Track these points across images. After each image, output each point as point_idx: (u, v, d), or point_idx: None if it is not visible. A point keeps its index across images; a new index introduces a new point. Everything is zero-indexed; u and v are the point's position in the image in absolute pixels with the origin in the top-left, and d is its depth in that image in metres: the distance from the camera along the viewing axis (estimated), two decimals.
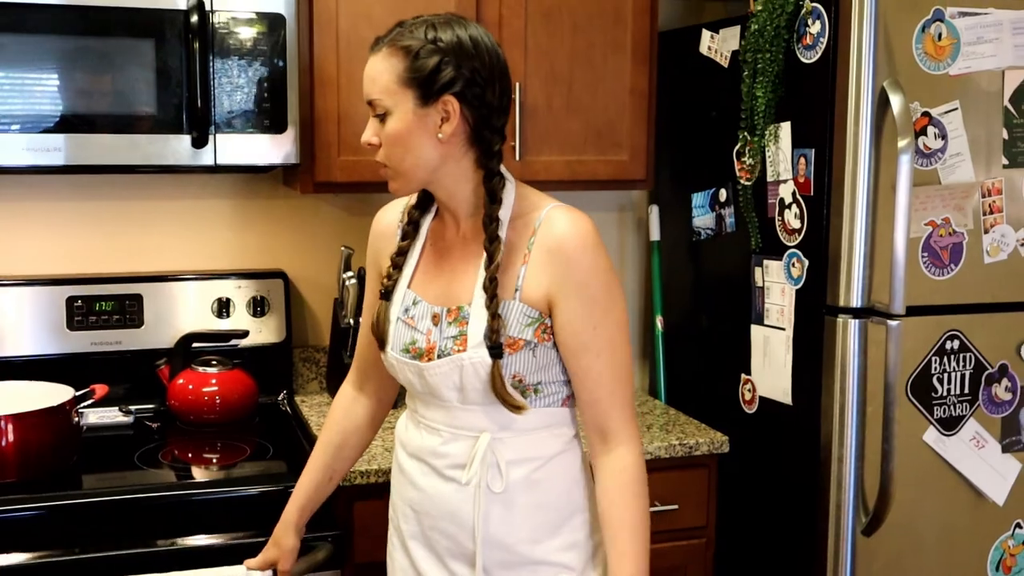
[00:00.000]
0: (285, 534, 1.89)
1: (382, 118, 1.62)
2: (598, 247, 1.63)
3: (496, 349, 1.61)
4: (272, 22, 2.29)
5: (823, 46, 2.20)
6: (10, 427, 2.03)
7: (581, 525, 1.72)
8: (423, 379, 1.69)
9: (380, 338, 1.74)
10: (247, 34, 2.27)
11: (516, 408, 1.64)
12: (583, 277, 1.62)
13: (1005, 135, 2.25)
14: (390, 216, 1.83)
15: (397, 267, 1.75)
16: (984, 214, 2.24)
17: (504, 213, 1.65)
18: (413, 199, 1.79)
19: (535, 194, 1.71)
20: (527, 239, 1.64)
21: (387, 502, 1.89)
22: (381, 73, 1.61)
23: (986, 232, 2.25)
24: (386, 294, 1.74)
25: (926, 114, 2.17)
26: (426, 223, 1.77)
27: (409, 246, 1.75)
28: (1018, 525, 2.37)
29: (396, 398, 1.97)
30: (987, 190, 2.24)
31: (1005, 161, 2.25)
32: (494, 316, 1.61)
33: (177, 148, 2.26)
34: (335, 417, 1.94)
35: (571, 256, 1.62)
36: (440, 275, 1.72)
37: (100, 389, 2.30)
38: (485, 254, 1.64)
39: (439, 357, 1.66)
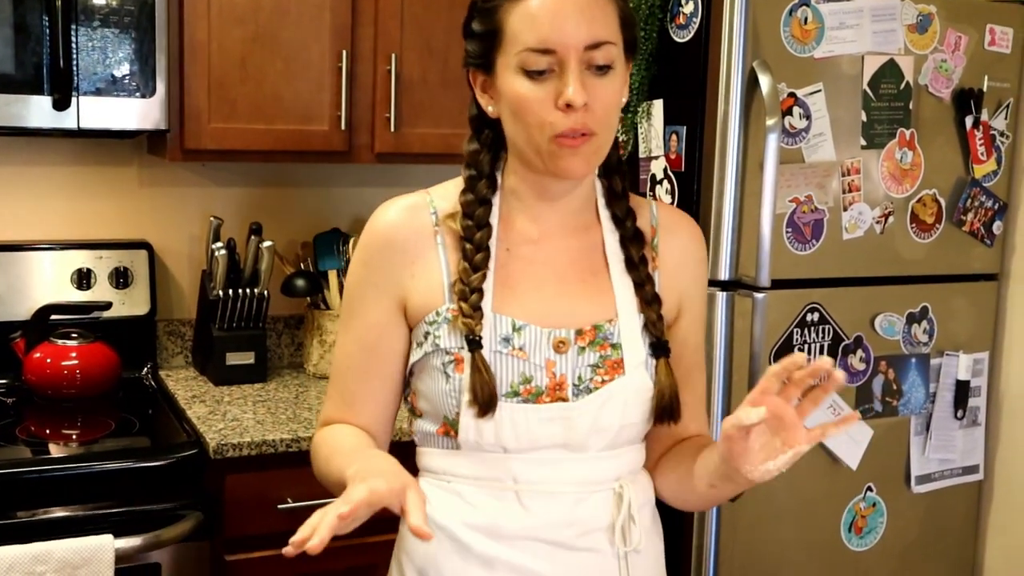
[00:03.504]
0: (401, 470, 1.20)
1: (604, 70, 1.24)
2: None
3: (663, 346, 1.34)
4: None
5: (696, 26, 2.26)
6: None
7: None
8: (569, 427, 1.30)
9: (487, 403, 1.27)
10: None
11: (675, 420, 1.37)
12: (704, 281, 1.46)
13: (864, 117, 2.35)
14: (414, 220, 1.36)
15: (477, 290, 1.30)
16: (843, 192, 2.35)
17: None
18: (439, 195, 1.39)
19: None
20: (648, 237, 1.40)
21: (258, 475, 1.83)
22: (604, 9, 1.24)
23: (845, 210, 2.36)
24: (476, 343, 1.28)
25: (792, 95, 2.26)
26: (493, 223, 1.35)
27: (484, 259, 1.31)
28: (869, 488, 2.50)
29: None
30: (846, 169, 2.34)
31: (863, 142, 2.36)
32: (650, 304, 1.35)
33: (38, 110, 2.16)
34: (343, 430, 1.38)
35: (702, 259, 1.45)
36: (533, 289, 1.34)
37: None
38: (622, 250, 1.36)
39: (576, 395, 1.31)
